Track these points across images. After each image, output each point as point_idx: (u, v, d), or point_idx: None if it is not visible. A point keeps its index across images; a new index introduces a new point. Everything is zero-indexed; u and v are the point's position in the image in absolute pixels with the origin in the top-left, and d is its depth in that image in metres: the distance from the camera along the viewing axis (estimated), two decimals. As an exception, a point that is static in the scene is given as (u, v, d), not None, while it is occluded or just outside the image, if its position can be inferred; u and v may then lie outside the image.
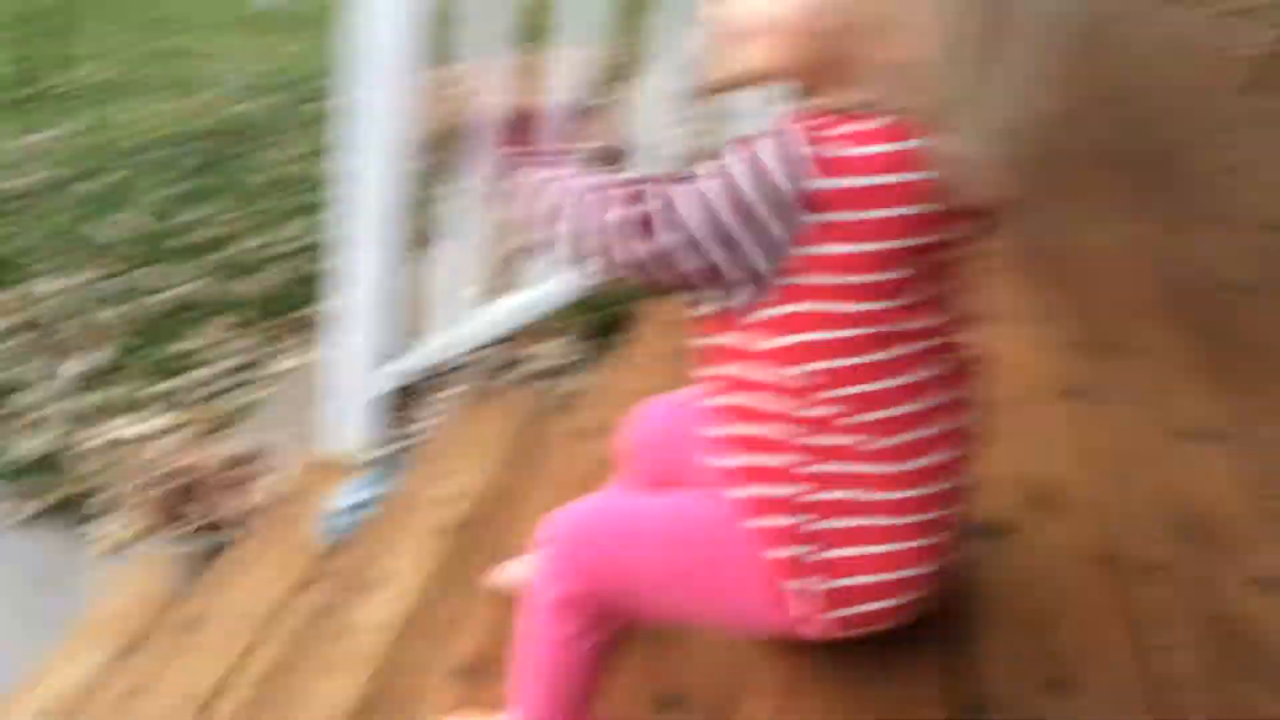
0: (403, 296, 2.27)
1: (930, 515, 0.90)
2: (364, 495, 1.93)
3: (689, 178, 0.85)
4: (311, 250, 3.69)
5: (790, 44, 0.84)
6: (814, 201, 0.80)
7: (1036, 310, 1.70)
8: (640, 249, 0.85)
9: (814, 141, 0.81)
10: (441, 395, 3.16)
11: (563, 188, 0.92)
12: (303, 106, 4.91)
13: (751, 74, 0.88)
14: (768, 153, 0.82)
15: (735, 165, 0.83)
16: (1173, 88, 3.15)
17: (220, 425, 2.78)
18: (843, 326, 0.84)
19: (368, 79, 1.99)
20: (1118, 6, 4.42)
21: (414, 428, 2.93)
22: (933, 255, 0.85)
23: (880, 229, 0.81)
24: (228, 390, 2.94)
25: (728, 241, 0.82)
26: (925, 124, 0.81)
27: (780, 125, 0.84)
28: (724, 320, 0.90)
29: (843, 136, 0.81)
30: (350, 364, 2.21)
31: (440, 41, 2.00)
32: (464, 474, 1.91)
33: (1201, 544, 1.19)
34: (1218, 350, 1.61)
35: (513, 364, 3.45)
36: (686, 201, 0.84)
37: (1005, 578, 1.10)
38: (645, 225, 0.85)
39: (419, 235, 3.92)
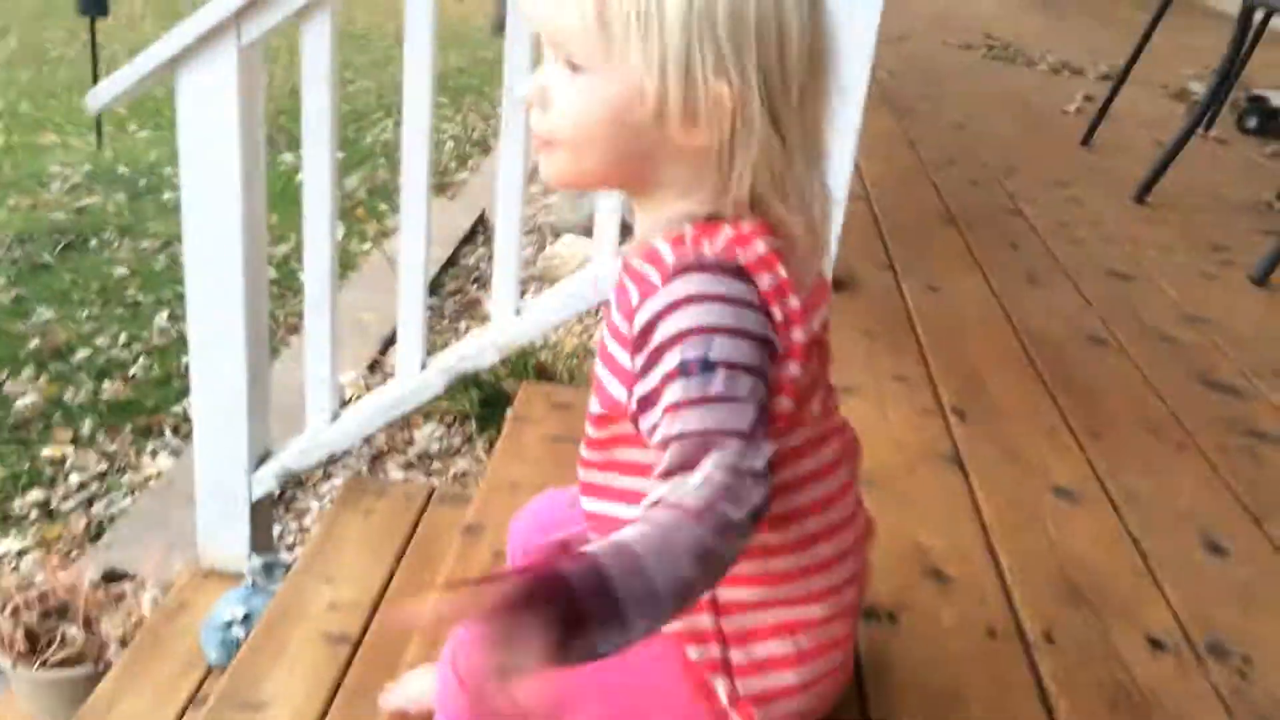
0: (270, 393, 2.24)
1: (841, 602, 0.91)
2: (249, 605, 1.88)
3: (696, 402, 0.75)
4: (181, 344, 3.60)
5: (597, 148, 0.83)
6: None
7: (900, 375, 1.76)
8: (761, 503, 0.73)
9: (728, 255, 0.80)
10: (324, 489, 3.10)
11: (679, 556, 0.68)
12: (163, 195, 4.80)
13: (578, 179, 0.88)
14: (721, 294, 0.77)
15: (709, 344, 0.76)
16: (1008, 145, 3.31)
17: (88, 539, 2.67)
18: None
19: (207, 173, 1.98)
20: (950, 64, 4.65)
21: (297, 526, 2.86)
22: (819, 341, 0.87)
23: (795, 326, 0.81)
24: (94, 500, 2.83)
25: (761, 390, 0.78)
26: (761, 209, 0.81)
27: (690, 257, 0.79)
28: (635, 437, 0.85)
29: (732, 242, 0.80)
30: (224, 467, 2.16)
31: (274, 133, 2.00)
32: (354, 577, 1.87)
33: (1092, 607, 1.24)
34: (1076, 405, 1.69)
35: (392, 451, 3.41)
36: (728, 417, 0.75)
37: (908, 659, 1.13)
38: (750, 484, 0.73)
39: (287, 324, 3.85)
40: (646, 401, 0.80)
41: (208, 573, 2.11)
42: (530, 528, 1.21)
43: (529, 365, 3.60)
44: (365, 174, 5.79)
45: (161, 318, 3.74)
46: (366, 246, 4.85)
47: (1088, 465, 1.53)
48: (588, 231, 4.29)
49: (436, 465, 3.22)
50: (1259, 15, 2.70)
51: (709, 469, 0.72)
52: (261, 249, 2.09)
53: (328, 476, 3.16)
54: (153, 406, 3.25)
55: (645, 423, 0.80)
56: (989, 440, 1.57)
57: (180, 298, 3.87)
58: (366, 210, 5.20)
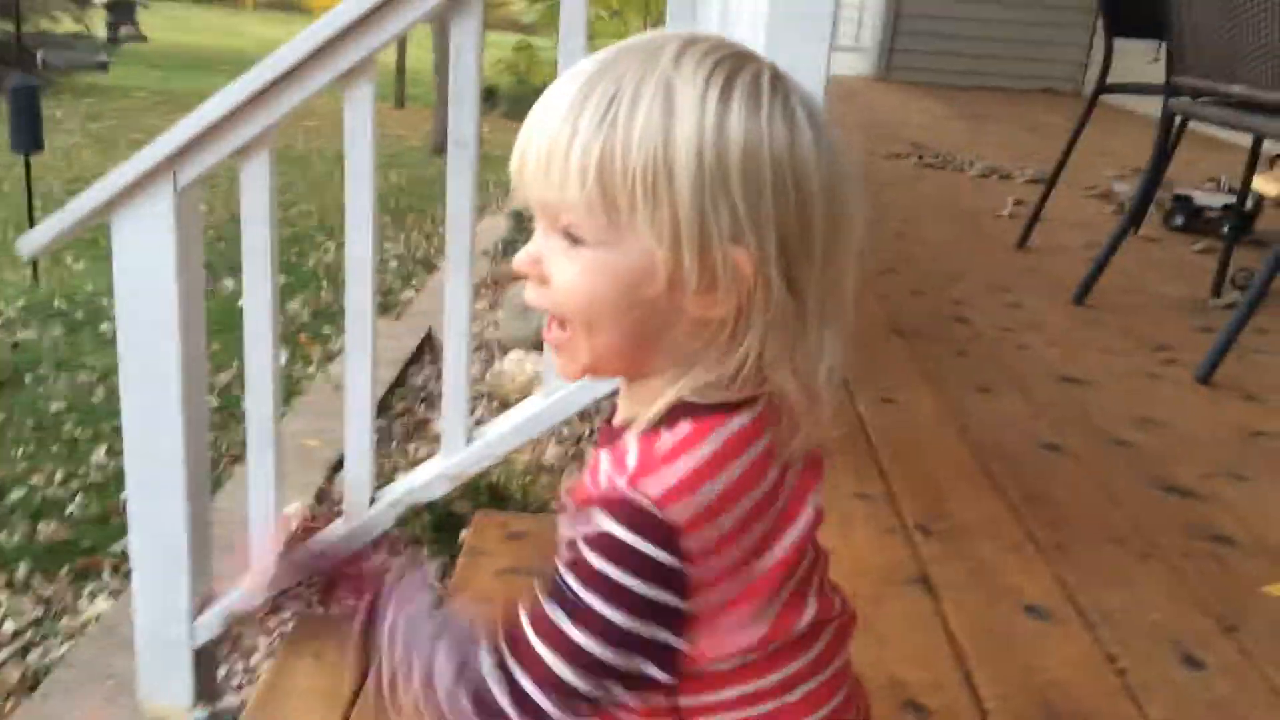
0: (212, 533, 2.17)
1: None
2: (196, 762, 1.78)
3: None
4: (119, 480, 3.49)
5: (609, 327, 0.77)
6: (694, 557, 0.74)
7: (861, 494, 1.74)
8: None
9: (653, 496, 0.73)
10: (272, 624, 2.99)
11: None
12: (100, 326, 4.73)
13: (595, 363, 0.80)
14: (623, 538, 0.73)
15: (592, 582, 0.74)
16: (946, 251, 3.37)
17: (24, 690, 2.54)
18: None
19: (139, 322, 1.94)
20: (884, 173, 4.75)
21: (244, 666, 2.75)
22: (799, 548, 0.82)
23: (749, 528, 0.77)
24: (28, 648, 2.70)
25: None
26: (766, 377, 0.76)
27: (626, 496, 0.74)
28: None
29: (692, 475, 0.74)
30: (165, 612, 2.07)
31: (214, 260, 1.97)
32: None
33: (1072, 732, 1.20)
34: (1038, 517, 1.68)
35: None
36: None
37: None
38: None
39: (229, 454, 3.77)
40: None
41: (151, 726, 2.00)
42: None
43: (481, 486, 3.54)
44: (308, 297, 5.76)
45: (100, 453, 3.64)
46: (311, 370, 4.80)
47: (1055, 581, 1.51)
48: (536, 346, 4.27)
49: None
50: (1178, 119, 2.80)
51: (484, 660, 0.76)
52: (201, 390, 2.04)
53: (276, 609, 3.06)
54: (90, 547, 3.14)
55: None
56: (956, 559, 1.55)
57: (118, 431, 3.79)
58: (309, 336, 5.16)
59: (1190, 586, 1.53)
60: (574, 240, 0.75)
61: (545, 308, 0.79)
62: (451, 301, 1.95)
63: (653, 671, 0.76)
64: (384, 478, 4.11)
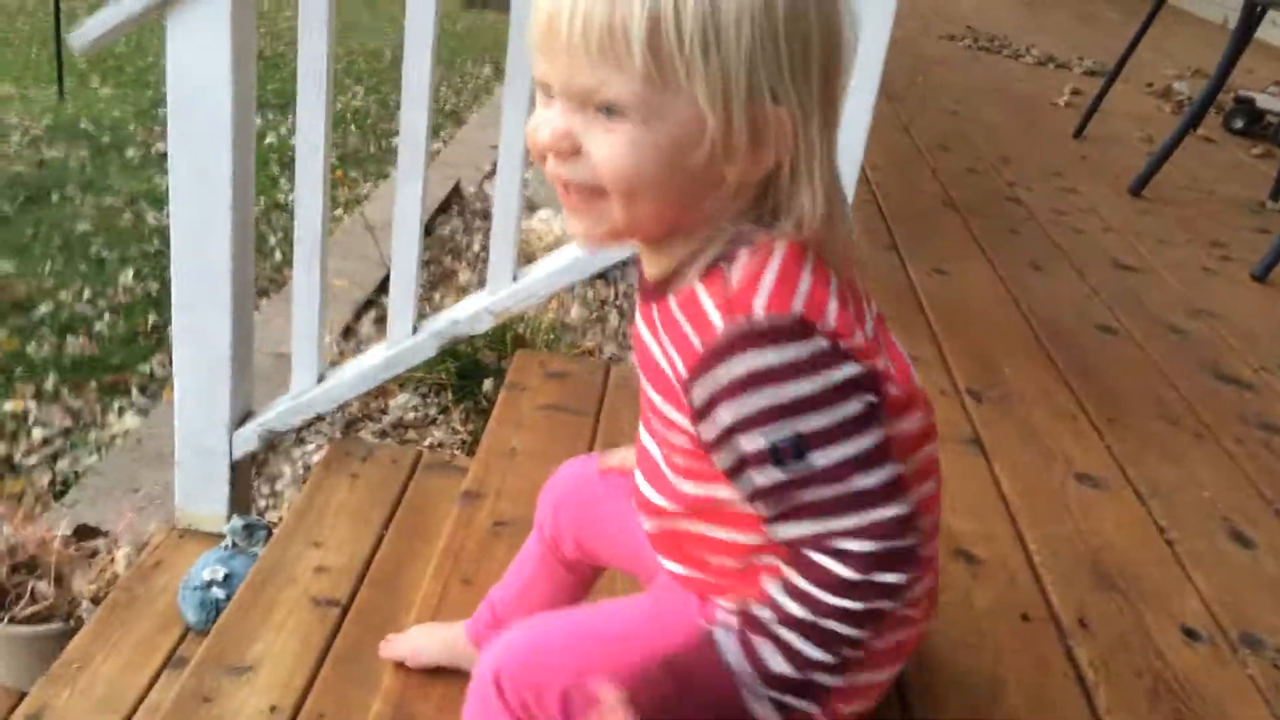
0: (253, 350, 2.16)
1: (922, 589, 0.84)
2: (230, 567, 1.80)
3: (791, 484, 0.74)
4: (147, 302, 3.50)
5: (652, 196, 0.75)
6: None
7: (914, 356, 1.72)
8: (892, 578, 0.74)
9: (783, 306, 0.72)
10: (296, 454, 3.02)
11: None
12: (126, 151, 4.67)
13: (628, 231, 0.78)
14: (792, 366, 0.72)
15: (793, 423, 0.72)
16: (1001, 134, 3.29)
17: (53, 495, 2.58)
18: None
19: (191, 128, 1.89)
20: (936, 53, 4.63)
21: (269, 490, 2.78)
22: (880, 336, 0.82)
23: (853, 318, 0.76)
24: (58, 456, 2.73)
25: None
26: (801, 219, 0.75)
27: (740, 323, 0.72)
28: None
29: (779, 283, 0.73)
30: (206, 424, 2.08)
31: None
32: (342, 542, 1.81)
33: (1123, 594, 1.21)
34: (1091, 391, 1.67)
35: (366, 418, 3.34)
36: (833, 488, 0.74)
37: (945, 642, 1.09)
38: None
39: (271, 280, 3.76)
40: (732, 474, 0.76)
41: (185, 532, 2.03)
42: (566, 500, 1.15)
43: (507, 338, 3.54)
44: (335, 139, 5.68)
45: (127, 275, 3.63)
46: (338, 212, 4.76)
47: (1108, 452, 1.51)
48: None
49: (411, 435, 3.14)
50: (1259, 15, 2.70)
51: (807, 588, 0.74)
52: (249, 203, 2.01)
53: (300, 441, 3.09)
54: (118, 364, 3.15)
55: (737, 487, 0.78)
56: (1007, 424, 1.54)
57: (146, 256, 3.78)
58: (342, 175, 5.11)
59: (1242, 469, 1.52)
60: (611, 113, 0.72)
61: (579, 181, 0.76)
62: (506, 146, 1.89)
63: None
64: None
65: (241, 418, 2.10)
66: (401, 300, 2.04)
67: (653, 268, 0.83)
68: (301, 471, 3.00)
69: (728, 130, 0.71)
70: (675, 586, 0.92)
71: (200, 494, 2.12)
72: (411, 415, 3.42)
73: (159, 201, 4.14)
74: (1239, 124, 3.61)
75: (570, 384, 1.97)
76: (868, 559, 0.73)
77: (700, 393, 0.74)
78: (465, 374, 3.54)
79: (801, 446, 0.72)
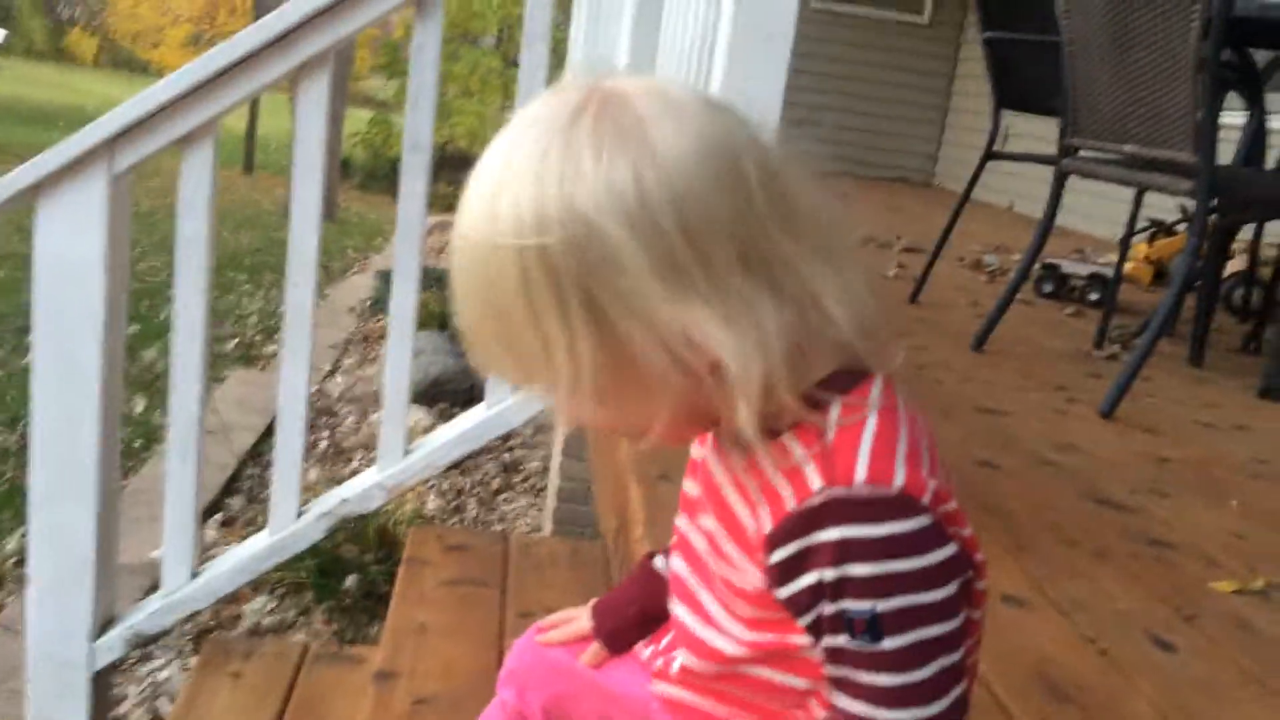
0: (118, 549, 2.01)
1: None
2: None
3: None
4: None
5: (665, 415, 0.73)
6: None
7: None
8: None
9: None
10: (148, 669, 2.79)
11: None
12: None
13: (690, 433, 0.81)
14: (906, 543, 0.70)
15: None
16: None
17: None
18: None
19: (65, 310, 1.81)
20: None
21: (122, 710, 2.55)
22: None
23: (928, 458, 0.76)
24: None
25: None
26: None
27: (837, 490, 0.70)
28: None
29: (878, 447, 0.72)
30: (64, 633, 1.90)
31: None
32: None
33: (1080, 705, 1.22)
34: (992, 522, 1.72)
35: (218, 627, 3.12)
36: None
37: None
38: None
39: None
40: (807, 628, 0.74)
41: (44, 758, 1.83)
42: (531, 680, 1.09)
43: (369, 530, 3.42)
44: (163, 347, 5.53)
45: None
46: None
47: (1024, 574, 1.55)
48: (414, 399, 4.17)
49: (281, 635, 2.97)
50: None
51: None
52: (118, 393, 1.92)
53: (146, 658, 2.87)
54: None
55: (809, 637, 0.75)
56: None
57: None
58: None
59: (1145, 582, 1.58)
60: (565, 400, 0.73)
61: (605, 431, 0.79)
62: (397, 314, 1.88)
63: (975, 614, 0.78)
64: (252, 527, 3.94)
65: (105, 623, 1.93)
66: (285, 483, 1.95)
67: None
68: (149, 691, 2.78)
69: (649, 363, 0.69)
70: None
71: (56, 711, 1.92)
72: (269, 620, 3.23)
73: None
74: (1048, 288, 3.92)
75: (471, 556, 1.91)
76: None
77: (784, 554, 0.72)
78: (326, 571, 3.38)
79: (878, 627, 0.70)
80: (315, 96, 1.80)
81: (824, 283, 0.73)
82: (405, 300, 1.90)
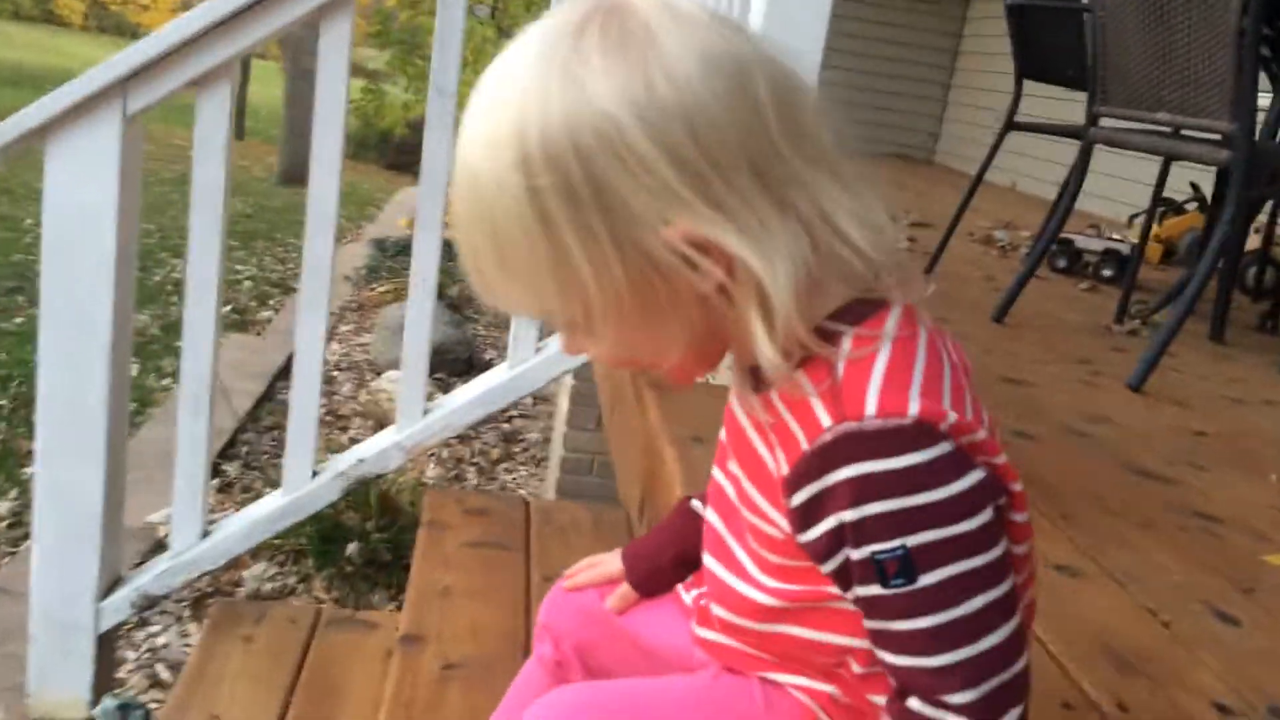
0: (123, 507, 1.94)
1: None
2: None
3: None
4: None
5: (676, 345, 0.72)
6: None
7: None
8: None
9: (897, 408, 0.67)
10: (146, 634, 2.73)
11: None
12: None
13: (700, 370, 0.76)
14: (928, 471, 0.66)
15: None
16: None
17: None
18: None
19: (75, 258, 1.72)
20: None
21: (120, 674, 2.49)
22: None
23: (965, 397, 0.72)
24: None
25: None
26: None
27: (849, 427, 0.67)
28: None
29: (890, 373, 0.68)
30: (68, 594, 1.83)
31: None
32: (244, 711, 1.60)
33: (1147, 676, 1.18)
34: (1034, 491, 1.67)
35: (218, 592, 3.07)
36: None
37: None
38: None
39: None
40: (836, 578, 0.71)
41: (46, 717, 1.77)
42: (568, 630, 1.06)
43: (371, 497, 3.36)
44: (156, 311, 5.45)
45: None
46: (166, 381, 4.53)
47: (1072, 545, 1.50)
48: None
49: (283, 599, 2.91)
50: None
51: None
52: (127, 347, 1.85)
53: (143, 623, 2.81)
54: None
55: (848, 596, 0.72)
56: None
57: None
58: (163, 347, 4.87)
59: (1196, 554, 1.54)
60: (576, 325, 0.71)
61: (614, 365, 0.77)
62: (420, 274, 1.80)
63: (1019, 549, 0.75)
64: (250, 493, 3.87)
65: (110, 584, 1.87)
66: (299, 442, 1.88)
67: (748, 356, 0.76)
68: (147, 656, 2.73)
69: (651, 286, 0.67)
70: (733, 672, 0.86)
71: (59, 674, 1.86)
72: (269, 586, 3.17)
73: None
74: (1061, 263, 3.88)
75: (493, 520, 1.85)
76: (976, 706, 0.68)
77: (802, 497, 0.68)
78: (327, 538, 3.33)
79: (911, 565, 0.66)
80: (338, 38, 1.72)
81: (836, 203, 0.70)
82: (428, 254, 1.84)
